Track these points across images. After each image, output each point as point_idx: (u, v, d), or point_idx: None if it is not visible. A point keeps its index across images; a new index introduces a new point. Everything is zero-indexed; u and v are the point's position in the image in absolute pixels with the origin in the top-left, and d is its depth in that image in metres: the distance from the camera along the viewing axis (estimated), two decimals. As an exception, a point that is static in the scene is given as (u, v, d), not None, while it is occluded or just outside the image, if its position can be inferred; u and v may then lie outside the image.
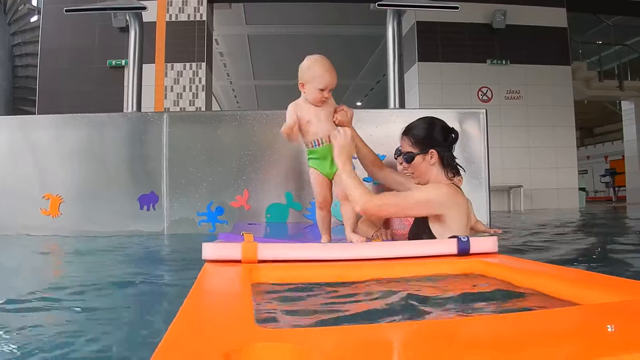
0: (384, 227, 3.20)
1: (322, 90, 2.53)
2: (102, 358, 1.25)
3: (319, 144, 2.59)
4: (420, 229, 2.60)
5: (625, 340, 0.82)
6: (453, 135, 2.67)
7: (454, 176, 2.63)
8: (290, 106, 2.61)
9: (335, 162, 2.54)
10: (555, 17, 12.31)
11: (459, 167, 2.68)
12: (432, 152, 2.60)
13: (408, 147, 2.68)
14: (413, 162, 2.65)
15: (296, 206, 4.95)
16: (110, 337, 1.40)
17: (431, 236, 2.51)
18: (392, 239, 2.88)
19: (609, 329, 0.86)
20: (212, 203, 4.99)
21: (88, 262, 3.43)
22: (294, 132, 2.56)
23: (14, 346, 1.29)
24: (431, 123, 2.69)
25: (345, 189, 2.49)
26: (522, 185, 11.73)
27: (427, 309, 1.36)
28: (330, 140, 2.57)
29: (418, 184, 2.72)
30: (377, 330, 1.02)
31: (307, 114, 2.58)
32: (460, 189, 2.62)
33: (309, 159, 2.67)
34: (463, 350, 0.83)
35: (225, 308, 1.19)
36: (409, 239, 2.74)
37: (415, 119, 2.78)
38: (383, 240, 2.80)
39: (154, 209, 5.04)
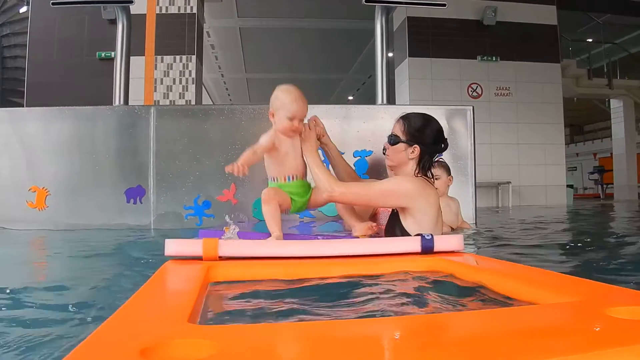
0: (372, 221, 3.21)
1: (290, 119, 2.50)
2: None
3: (292, 179, 2.60)
4: (394, 223, 2.61)
5: (567, 341, 0.84)
6: (442, 145, 2.66)
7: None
8: (271, 131, 2.58)
9: (303, 150, 2.57)
10: (546, 15, 12.35)
11: (431, 176, 2.67)
12: (415, 147, 2.59)
13: (398, 131, 2.66)
14: (395, 146, 2.64)
15: (283, 201, 4.95)
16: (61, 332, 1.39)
17: (404, 230, 2.52)
18: (378, 233, 2.88)
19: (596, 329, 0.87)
20: (199, 197, 4.98)
21: (63, 257, 3.41)
22: (259, 156, 2.55)
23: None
24: (430, 121, 2.68)
25: (313, 177, 2.53)
26: (510, 182, 11.79)
27: (377, 307, 1.36)
28: (303, 177, 2.63)
29: (389, 166, 2.73)
30: (305, 327, 1.01)
31: (285, 145, 2.57)
32: (430, 183, 2.60)
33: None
34: (383, 348, 0.83)
35: (165, 305, 1.18)
36: (385, 234, 2.75)
37: (421, 113, 2.77)
38: (370, 233, 2.80)
39: (141, 203, 5.03)
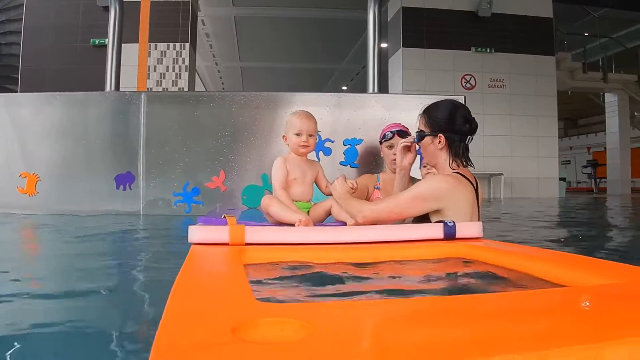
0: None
1: (297, 134, 2.65)
2: (101, 338, 1.26)
3: (295, 201, 2.71)
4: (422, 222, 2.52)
5: (609, 324, 0.81)
6: (468, 125, 2.47)
7: (459, 167, 2.47)
8: (279, 159, 2.70)
9: (341, 204, 2.60)
10: (541, 7, 12.36)
11: (469, 161, 2.52)
12: (440, 136, 2.46)
13: (421, 126, 2.57)
14: (422, 142, 2.56)
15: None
16: (107, 319, 1.43)
17: None
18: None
19: (584, 305, 0.87)
20: (188, 184, 5.00)
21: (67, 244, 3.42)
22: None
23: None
24: (446, 104, 2.55)
25: (346, 210, 2.54)
26: (502, 174, 11.83)
27: (412, 288, 1.39)
28: (307, 201, 2.75)
29: (427, 165, 2.70)
30: (376, 305, 1.03)
31: (295, 170, 2.70)
32: (464, 177, 2.42)
33: None
34: (459, 325, 0.83)
35: (221, 287, 1.17)
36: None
37: (439, 100, 2.62)
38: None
39: (130, 189, 5.04)
